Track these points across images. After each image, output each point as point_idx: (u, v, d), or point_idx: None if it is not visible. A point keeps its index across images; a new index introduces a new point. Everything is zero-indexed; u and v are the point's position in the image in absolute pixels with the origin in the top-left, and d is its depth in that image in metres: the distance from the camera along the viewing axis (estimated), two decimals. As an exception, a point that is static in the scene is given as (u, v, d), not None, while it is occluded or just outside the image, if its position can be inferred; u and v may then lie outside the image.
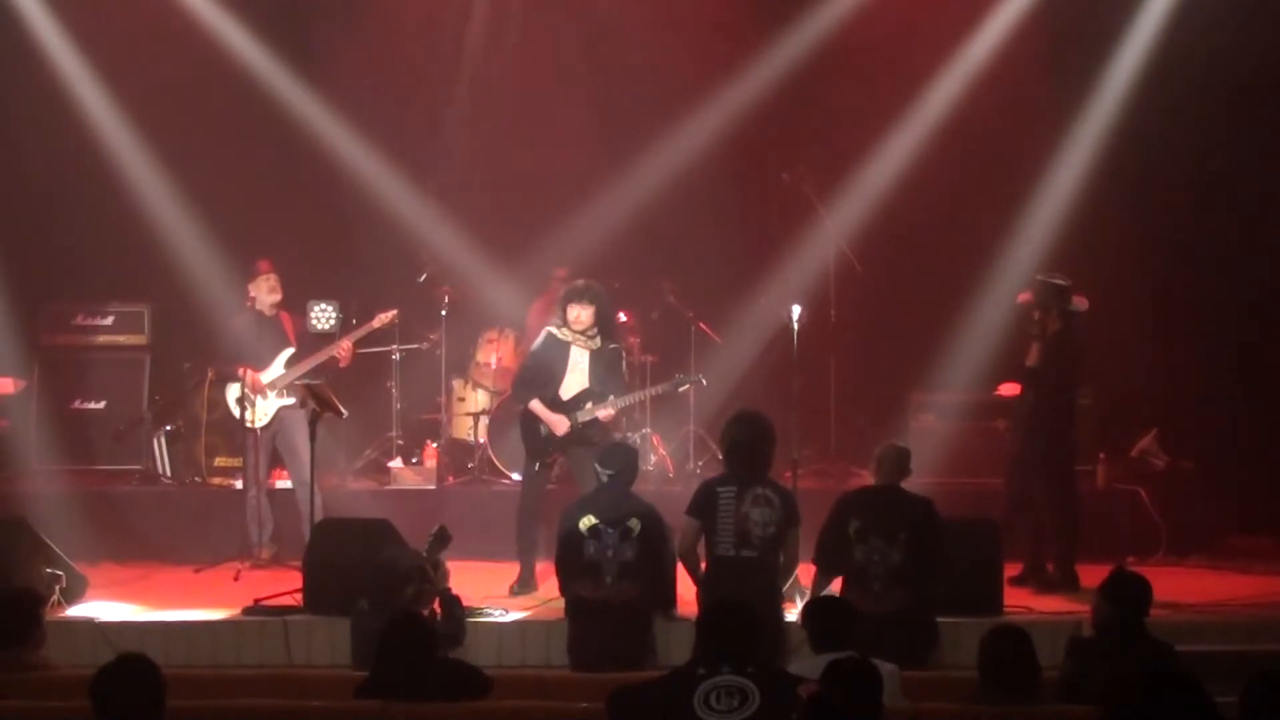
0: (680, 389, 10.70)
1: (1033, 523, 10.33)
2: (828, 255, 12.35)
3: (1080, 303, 10.33)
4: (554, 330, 10.22)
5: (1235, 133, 12.35)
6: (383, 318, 11.29)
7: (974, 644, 6.58)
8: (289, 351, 11.07)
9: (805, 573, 8.98)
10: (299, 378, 10.90)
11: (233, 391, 11.03)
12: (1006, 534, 9.66)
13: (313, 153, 12.80)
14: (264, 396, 10.93)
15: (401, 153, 12.87)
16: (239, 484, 11.32)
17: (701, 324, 12.48)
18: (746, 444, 8.74)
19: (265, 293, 11.09)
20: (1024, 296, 10.52)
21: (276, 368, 11.02)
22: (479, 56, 13.10)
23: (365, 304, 11.77)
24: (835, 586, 8.69)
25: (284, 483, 11.36)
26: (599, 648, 8.43)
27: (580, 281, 10.45)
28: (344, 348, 11.01)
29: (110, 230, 12.63)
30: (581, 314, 10.09)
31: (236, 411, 10.98)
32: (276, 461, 11.26)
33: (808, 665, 6.76)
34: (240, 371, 10.93)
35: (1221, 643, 8.58)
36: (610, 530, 8.66)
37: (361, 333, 11.27)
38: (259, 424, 10.93)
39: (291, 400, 10.96)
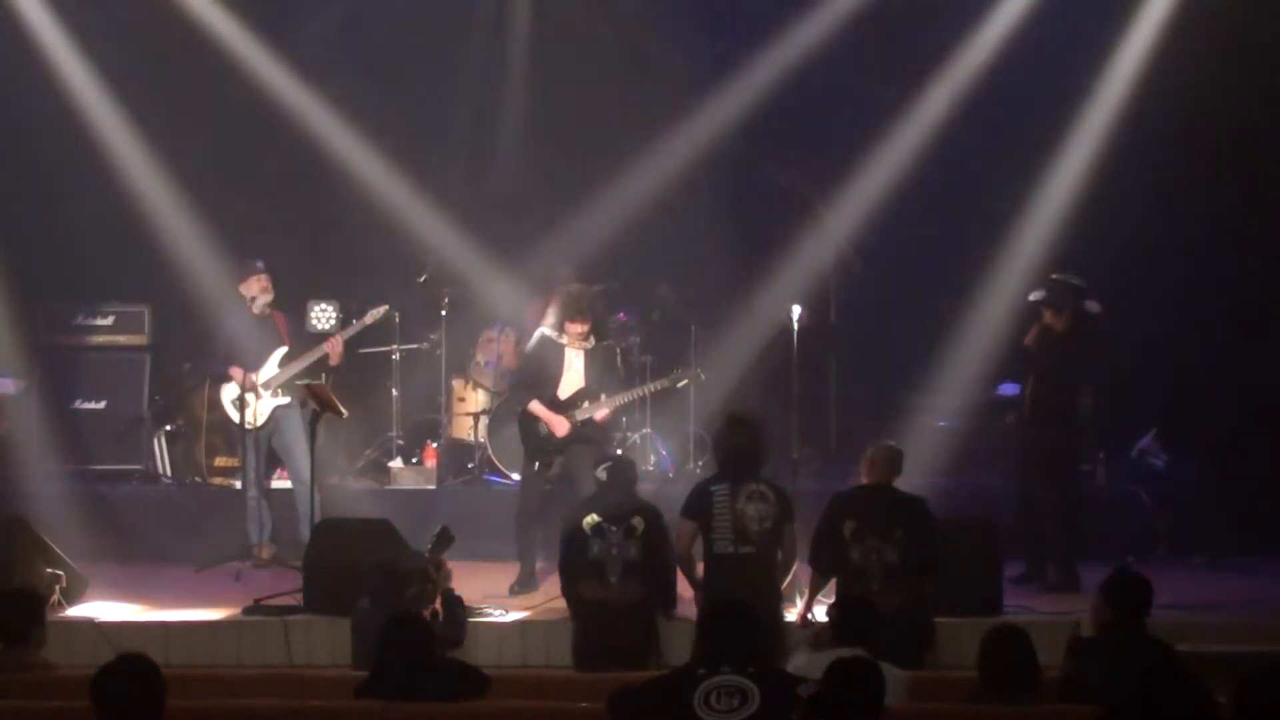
0: (679, 384, 10.70)
1: (1034, 522, 10.34)
2: (828, 255, 12.34)
3: (1093, 306, 10.33)
4: (548, 332, 10.25)
5: (1238, 132, 12.35)
6: (375, 314, 11.27)
7: (974, 644, 6.57)
8: (282, 351, 11.05)
9: (804, 572, 8.97)
10: (293, 377, 10.89)
11: (229, 392, 11.02)
12: (1014, 534, 9.67)
13: (313, 153, 12.79)
14: (259, 396, 10.92)
15: (402, 153, 12.85)
16: (239, 484, 11.31)
17: (701, 324, 12.46)
18: (738, 443, 8.76)
19: (257, 293, 11.07)
20: (1035, 295, 10.51)
21: (270, 367, 11.00)
22: (480, 56, 13.09)
23: (365, 304, 11.75)
24: (832, 586, 8.71)
25: (282, 483, 11.35)
26: (604, 648, 8.44)
27: (575, 288, 10.46)
28: (334, 346, 10.99)
29: (110, 230, 12.61)
30: (581, 329, 10.13)
31: (232, 412, 10.97)
32: (274, 461, 11.25)
33: (805, 664, 6.78)
34: (234, 372, 10.92)
35: (1221, 643, 8.58)
36: (614, 529, 8.68)
37: (354, 330, 11.25)
38: (254, 424, 10.91)
39: (287, 400, 10.95)
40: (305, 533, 10.71)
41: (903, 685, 6.60)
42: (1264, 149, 12.36)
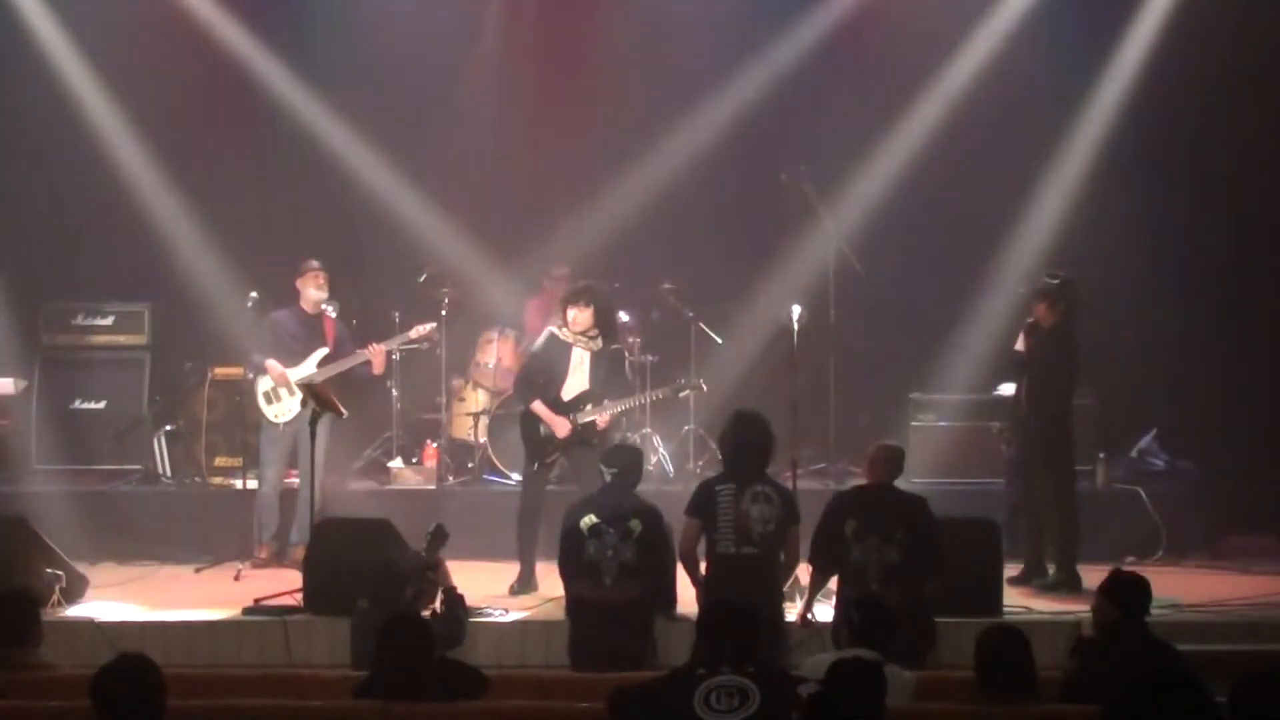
0: (680, 394, 10.72)
1: (1033, 523, 10.34)
2: (828, 255, 12.35)
3: (1077, 304, 10.35)
4: (555, 331, 10.25)
5: (1237, 131, 12.35)
6: (420, 330, 11.28)
7: (974, 644, 6.58)
8: (323, 352, 11.03)
9: (803, 572, 8.97)
10: (326, 380, 10.85)
11: (262, 384, 11.00)
12: (1009, 535, 9.66)
13: (313, 152, 12.80)
14: (290, 392, 10.90)
15: (402, 153, 12.85)
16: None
17: (701, 324, 12.48)
18: (744, 443, 8.74)
19: (312, 288, 11.07)
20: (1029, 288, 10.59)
21: (308, 366, 10.98)
22: (479, 56, 13.09)
23: (366, 304, 11.72)
24: (831, 586, 8.72)
25: (289, 481, 11.37)
26: (598, 648, 8.44)
27: (581, 283, 10.48)
28: (379, 356, 10.98)
29: (110, 230, 12.63)
30: (579, 316, 10.11)
31: (264, 405, 10.96)
32: (292, 460, 11.24)
33: (813, 664, 6.78)
34: (270, 365, 10.90)
35: (1221, 643, 8.58)
36: (611, 530, 8.66)
37: (397, 343, 11.28)
38: (283, 419, 10.91)
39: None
40: (297, 534, 10.75)
41: (909, 686, 6.61)
42: (1264, 150, 12.35)
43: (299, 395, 10.85)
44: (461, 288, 12.54)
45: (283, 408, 10.92)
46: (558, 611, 8.98)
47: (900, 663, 6.78)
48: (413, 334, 11.28)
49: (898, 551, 8.52)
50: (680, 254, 12.89)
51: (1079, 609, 8.80)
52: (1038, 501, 10.31)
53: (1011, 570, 9.84)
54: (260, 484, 11.04)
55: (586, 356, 10.19)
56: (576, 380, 10.17)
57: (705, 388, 10.92)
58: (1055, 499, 10.25)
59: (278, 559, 10.83)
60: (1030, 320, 10.41)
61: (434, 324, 11.44)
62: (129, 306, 12.64)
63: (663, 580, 8.83)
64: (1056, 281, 10.39)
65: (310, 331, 11.08)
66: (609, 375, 10.25)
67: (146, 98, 12.56)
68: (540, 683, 7.51)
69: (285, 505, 11.12)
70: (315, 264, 11.14)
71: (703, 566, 8.69)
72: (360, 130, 12.82)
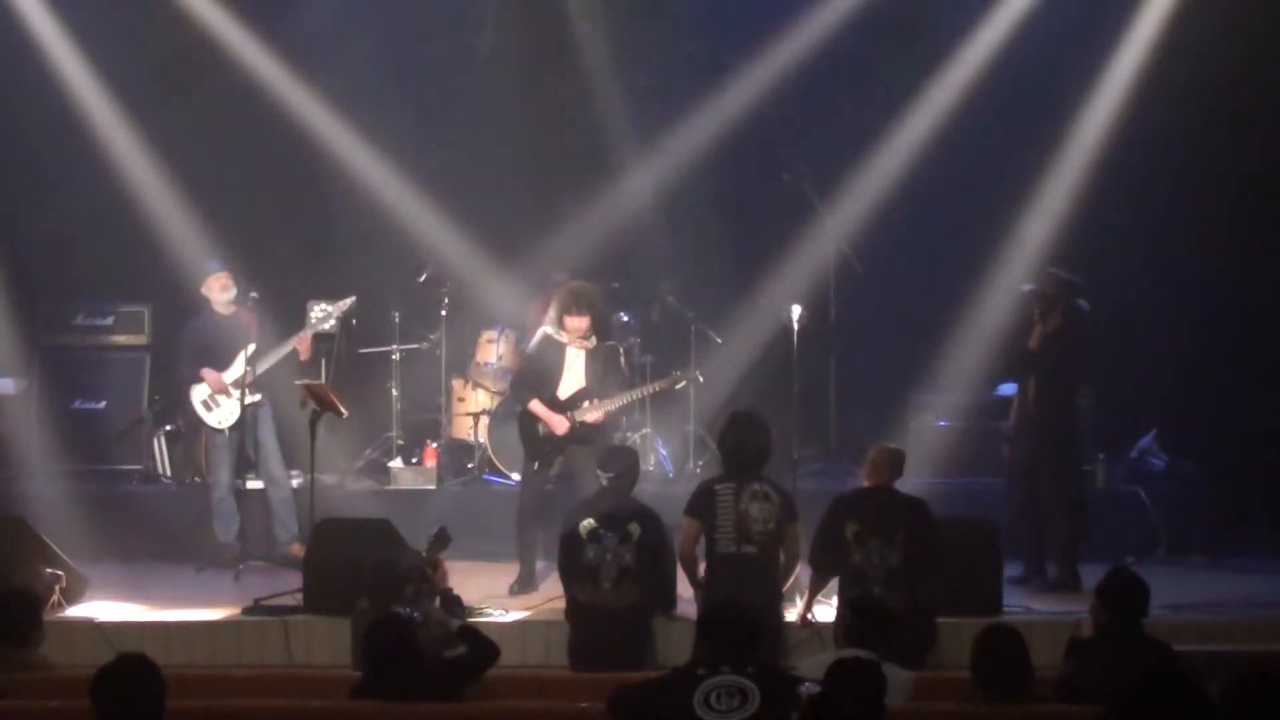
0: (677, 386, 10.72)
1: (1034, 523, 10.33)
2: (828, 255, 12.35)
3: (1081, 304, 10.34)
4: (549, 331, 10.25)
5: (1239, 130, 12.34)
6: (341, 305, 11.19)
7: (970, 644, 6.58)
8: (251, 348, 10.99)
9: (804, 573, 8.98)
10: (269, 374, 10.82)
11: (198, 393, 10.97)
12: (1010, 535, 9.66)
13: (313, 153, 12.79)
14: (228, 396, 10.88)
15: (403, 153, 12.85)
16: (240, 483, 11.29)
17: (701, 324, 12.48)
18: (742, 442, 8.77)
19: (217, 291, 11.03)
20: (1026, 286, 10.54)
21: (238, 366, 10.95)
22: (480, 54, 13.10)
23: (366, 304, 11.72)
24: (832, 586, 8.73)
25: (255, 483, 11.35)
26: (598, 650, 8.44)
27: (575, 284, 10.46)
28: (303, 342, 10.95)
29: (110, 230, 12.62)
30: (579, 323, 10.11)
31: (203, 414, 10.94)
32: (244, 461, 11.21)
33: (813, 664, 6.78)
34: (205, 374, 10.88)
35: (1221, 643, 8.58)
36: (610, 534, 8.67)
37: (322, 322, 11.15)
38: (225, 424, 10.88)
39: (257, 397, 10.89)
40: (283, 532, 10.74)
41: (907, 686, 6.61)
42: (1265, 148, 12.35)
43: (236, 397, 10.82)
44: (461, 288, 12.54)
45: (223, 413, 10.87)
46: (558, 611, 8.98)
47: (899, 662, 6.78)
48: (335, 311, 11.11)
49: (898, 554, 8.52)
50: (680, 254, 12.89)
51: (1079, 609, 8.78)
52: (1043, 502, 10.28)
53: (1011, 570, 9.84)
54: (213, 489, 11.02)
55: (581, 355, 10.20)
56: (572, 378, 10.17)
57: (702, 379, 10.93)
58: (1064, 499, 10.21)
59: (241, 557, 10.77)
60: (1036, 319, 10.38)
61: (353, 297, 11.22)
62: (129, 306, 12.66)
63: (663, 583, 8.84)
64: (1050, 278, 10.38)
65: (233, 331, 11.01)
66: (605, 371, 10.26)
67: (148, 98, 12.55)
68: (540, 683, 7.53)
69: (244, 505, 11.09)
70: (216, 266, 11.09)
71: (701, 567, 8.70)
72: (361, 130, 12.81)
